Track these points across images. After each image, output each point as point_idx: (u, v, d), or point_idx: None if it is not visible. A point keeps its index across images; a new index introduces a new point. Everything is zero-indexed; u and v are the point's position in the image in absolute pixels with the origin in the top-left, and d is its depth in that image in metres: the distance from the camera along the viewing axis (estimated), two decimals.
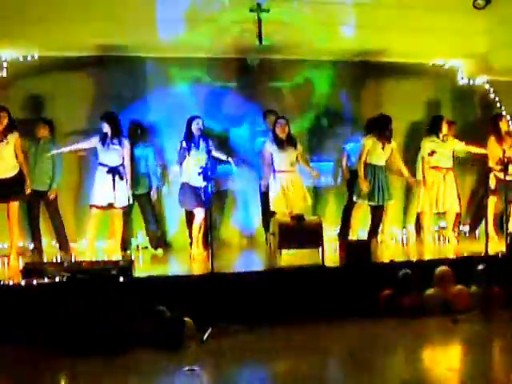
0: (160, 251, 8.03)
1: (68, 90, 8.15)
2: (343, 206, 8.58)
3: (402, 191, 9.03)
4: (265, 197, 8.05)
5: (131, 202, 7.52)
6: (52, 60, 8.06)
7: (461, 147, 8.27)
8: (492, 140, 8.34)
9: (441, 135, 8.11)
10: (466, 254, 7.07)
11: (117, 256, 7.28)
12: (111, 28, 7.77)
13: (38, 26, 7.56)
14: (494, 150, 8.24)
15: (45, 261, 7.37)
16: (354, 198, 8.09)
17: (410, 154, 8.79)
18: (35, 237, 7.92)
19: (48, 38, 7.69)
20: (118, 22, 7.74)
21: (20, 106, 8.04)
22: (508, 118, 8.52)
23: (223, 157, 7.70)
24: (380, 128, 7.95)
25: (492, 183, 8.15)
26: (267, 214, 8.04)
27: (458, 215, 8.54)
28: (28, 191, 7.28)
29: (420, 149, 8.31)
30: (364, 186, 7.88)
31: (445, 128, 8.13)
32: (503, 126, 8.40)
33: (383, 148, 7.95)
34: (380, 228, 8.25)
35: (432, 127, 8.21)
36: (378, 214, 8.12)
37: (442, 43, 8.68)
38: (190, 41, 8.20)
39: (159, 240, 8.22)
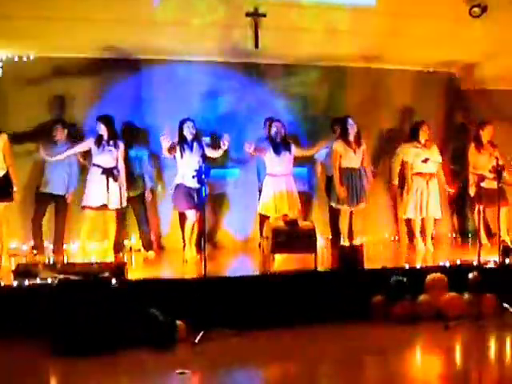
0: (151, 253, 8.01)
1: (72, 92, 8.25)
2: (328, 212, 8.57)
3: (393, 197, 9.04)
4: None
5: (125, 204, 7.52)
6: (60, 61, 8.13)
7: (436, 157, 8.17)
8: (472, 147, 8.36)
9: (422, 141, 8.10)
10: (458, 261, 7.07)
11: (110, 258, 7.27)
12: (110, 29, 7.79)
13: (35, 26, 7.58)
14: (473, 158, 8.29)
15: (37, 262, 7.33)
16: (333, 204, 8.06)
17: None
18: (37, 238, 7.87)
19: (46, 38, 7.72)
20: (116, 24, 7.76)
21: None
22: (490, 127, 8.49)
23: (215, 152, 7.61)
24: (344, 130, 7.92)
25: (472, 191, 8.18)
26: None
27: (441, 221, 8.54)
28: (15, 194, 7.25)
29: (396, 154, 8.36)
30: (341, 192, 7.83)
31: (426, 133, 8.11)
32: (485, 134, 8.38)
33: (355, 151, 7.90)
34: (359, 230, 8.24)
35: (413, 133, 8.21)
36: (352, 216, 8.12)
37: (438, 51, 8.72)
38: (187, 44, 8.22)
39: (151, 242, 8.20)
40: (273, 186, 7.65)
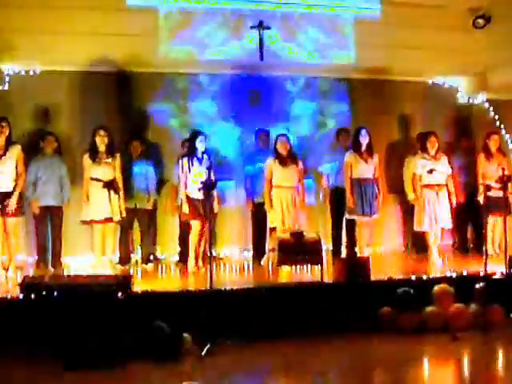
0: (150, 266, 7.98)
1: (70, 104, 8.23)
2: (331, 224, 8.54)
3: (402, 208, 9.02)
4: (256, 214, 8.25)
5: (124, 215, 7.48)
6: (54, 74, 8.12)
7: (445, 168, 8.06)
8: (481, 157, 8.35)
9: (432, 152, 8.07)
10: (465, 272, 7.05)
11: (110, 271, 7.26)
12: (111, 42, 7.84)
13: (39, 40, 7.64)
14: (482, 168, 8.28)
15: (43, 274, 7.32)
16: (346, 215, 8.08)
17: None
18: (42, 251, 7.89)
19: (50, 52, 7.76)
20: (117, 37, 7.81)
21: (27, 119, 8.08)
22: (496, 136, 8.47)
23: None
24: (355, 141, 7.98)
25: (481, 201, 8.15)
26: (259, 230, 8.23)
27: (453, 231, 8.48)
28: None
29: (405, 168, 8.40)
30: (350, 202, 7.88)
31: (435, 144, 8.04)
32: (492, 143, 8.37)
33: (366, 161, 7.94)
34: (367, 242, 8.17)
35: (421, 144, 8.17)
36: (366, 227, 8.10)
37: (442, 62, 8.76)
38: (189, 56, 8.26)
39: (154, 254, 8.20)
40: (279, 198, 7.66)
